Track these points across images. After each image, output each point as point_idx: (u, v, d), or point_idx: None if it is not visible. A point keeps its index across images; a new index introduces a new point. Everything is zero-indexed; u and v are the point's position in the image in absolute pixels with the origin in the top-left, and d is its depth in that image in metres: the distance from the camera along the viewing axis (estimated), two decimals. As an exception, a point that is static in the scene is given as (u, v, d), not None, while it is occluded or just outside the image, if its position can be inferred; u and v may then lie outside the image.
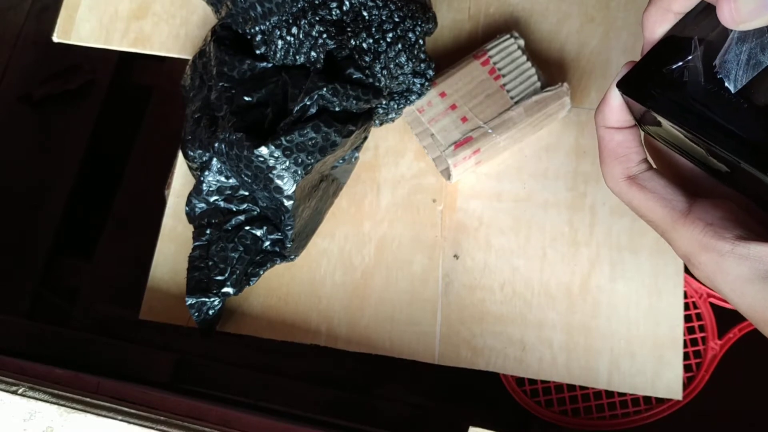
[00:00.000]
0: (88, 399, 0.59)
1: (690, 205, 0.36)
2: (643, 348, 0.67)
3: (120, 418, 0.57)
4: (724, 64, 0.32)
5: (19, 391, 0.58)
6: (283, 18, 0.61)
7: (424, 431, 0.84)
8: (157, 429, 0.57)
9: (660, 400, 0.76)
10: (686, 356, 0.76)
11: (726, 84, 0.32)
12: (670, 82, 0.34)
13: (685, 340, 0.69)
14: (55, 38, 0.79)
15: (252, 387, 0.83)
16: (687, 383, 0.76)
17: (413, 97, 0.67)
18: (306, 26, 0.61)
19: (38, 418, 0.57)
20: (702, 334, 0.78)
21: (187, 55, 0.77)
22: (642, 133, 0.40)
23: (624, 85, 0.36)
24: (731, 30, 0.31)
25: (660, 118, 0.34)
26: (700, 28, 0.34)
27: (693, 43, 0.34)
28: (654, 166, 0.40)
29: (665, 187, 0.38)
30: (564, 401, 0.78)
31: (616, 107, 0.38)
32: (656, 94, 0.34)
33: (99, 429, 0.56)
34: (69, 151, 1.11)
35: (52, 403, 0.57)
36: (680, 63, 0.34)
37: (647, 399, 0.77)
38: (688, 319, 0.78)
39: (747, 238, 0.34)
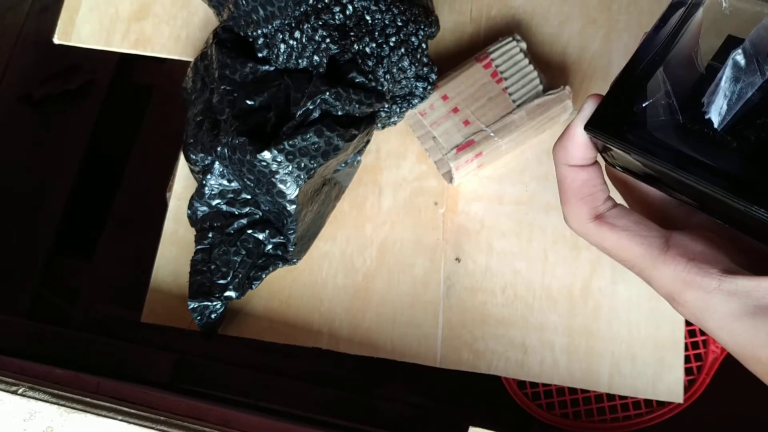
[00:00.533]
0: (88, 399, 0.59)
1: (667, 240, 0.34)
2: (644, 351, 0.67)
3: (120, 418, 0.57)
4: (712, 103, 0.31)
5: (19, 391, 0.58)
6: (286, 22, 0.61)
7: (424, 431, 0.84)
8: (157, 429, 0.57)
9: (661, 403, 0.76)
10: (687, 359, 0.77)
11: (712, 120, 0.31)
12: (644, 121, 0.32)
13: (686, 343, 0.69)
14: (56, 40, 0.79)
15: (252, 387, 0.83)
16: (688, 386, 0.77)
17: (416, 101, 0.67)
18: (309, 30, 0.60)
19: (38, 418, 0.57)
20: (703, 337, 0.78)
21: (188, 57, 0.77)
22: (603, 166, 0.38)
23: (595, 126, 0.34)
24: (718, 68, 0.31)
25: (639, 159, 0.33)
26: (665, 62, 0.33)
27: (660, 78, 0.33)
28: (618, 203, 0.38)
29: (638, 224, 0.36)
30: (565, 404, 0.78)
31: (582, 144, 0.36)
32: (633, 135, 0.32)
33: (99, 429, 0.56)
34: (69, 151, 1.10)
35: (52, 403, 0.57)
36: (651, 100, 0.33)
37: (648, 402, 0.77)
38: (689, 322, 0.78)
39: (732, 272, 0.32)
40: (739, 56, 0.30)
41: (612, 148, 0.34)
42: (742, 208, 0.30)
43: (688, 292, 0.33)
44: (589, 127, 0.34)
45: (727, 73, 0.30)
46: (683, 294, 0.33)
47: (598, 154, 0.37)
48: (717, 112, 0.31)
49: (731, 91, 0.30)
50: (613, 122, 0.33)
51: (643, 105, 0.33)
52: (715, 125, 0.31)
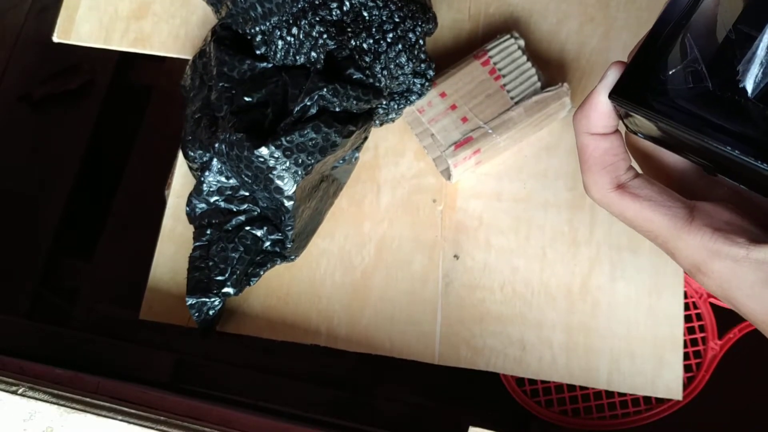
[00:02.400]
0: (87, 399, 0.59)
1: (691, 210, 0.34)
2: (643, 348, 0.67)
3: (120, 418, 0.57)
4: (747, 71, 0.30)
5: (19, 391, 0.58)
6: (284, 18, 0.61)
7: (424, 431, 0.84)
8: (157, 429, 0.57)
9: (660, 400, 0.76)
10: (686, 356, 0.77)
11: (746, 89, 0.30)
12: (672, 88, 0.32)
13: (685, 340, 0.69)
14: (55, 38, 0.79)
15: (252, 387, 0.83)
16: (687, 383, 0.76)
17: (413, 98, 0.67)
18: (306, 26, 0.61)
19: (38, 418, 0.57)
20: (702, 335, 0.78)
21: (187, 55, 0.77)
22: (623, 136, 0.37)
23: (620, 94, 0.33)
24: (747, 32, 0.30)
25: (667, 127, 0.32)
26: (688, 26, 0.32)
27: (687, 44, 0.32)
28: (640, 173, 0.37)
29: (661, 194, 0.35)
30: (564, 401, 0.78)
31: (605, 112, 0.35)
32: (660, 103, 0.32)
33: (99, 429, 0.56)
34: (69, 151, 1.11)
35: (52, 403, 0.57)
36: (679, 66, 0.32)
37: (647, 399, 0.77)
38: (688, 319, 0.78)
39: (760, 241, 0.32)
40: None
41: (637, 116, 0.34)
42: None
43: (715, 262, 0.33)
44: (613, 95, 0.34)
45: (764, 40, 0.30)
46: (710, 264, 0.33)
47: (620, 122, 0.37)
48: (752, 80, 0.30)
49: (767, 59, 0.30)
50: (639, 90, 0.33)
51: (670, 72, 0.32)
52: (749, 93, 0.30)
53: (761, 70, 0.30)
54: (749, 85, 0.30)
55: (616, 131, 0.37)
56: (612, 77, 0.35)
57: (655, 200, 0.35)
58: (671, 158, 0.39)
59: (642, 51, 0.34)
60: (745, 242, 0.32)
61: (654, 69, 0.33)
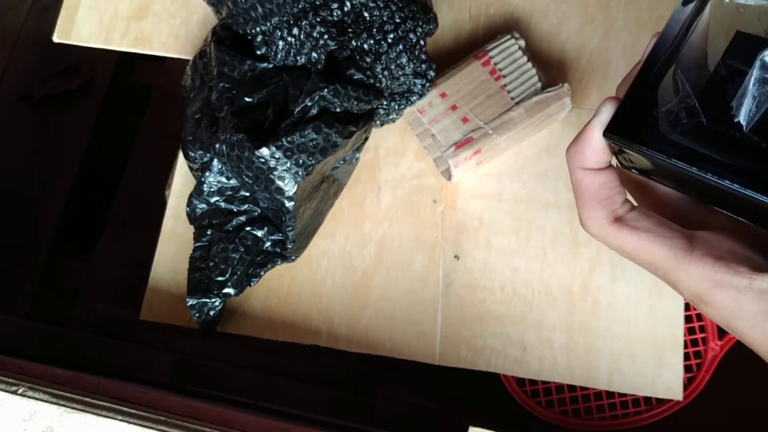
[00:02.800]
0: (87, 399, 0.59)
1: (691, 240, 0.33)
2: (644, 348, 0.67)
3: (120, 418, 0.57)
4: (741, 106, 0.30)
5: (19, 391, 0.58)
6: (284, 19, 0.61)
7: (424, 431, 0.84)
8: (157, 429, 0.57)
9: (660, 401, 0.76)
10: (686, 357, 0.77)
11: (741, 123, 0.30)
12: (666, 125, 0.32)
13: (685, 341, 0.69)
14: (56, 38, 0.79)
15: (252, 387, 0.83)
16: (687, 384, 0.77)
17: (414, 98, 0.67)
18: (307, 27, 0.61)
19: (38, 418, 0.57)
20: (702, 335, 0.78)
21: (187, 56, 0.77)
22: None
23: (614, 131, 0.34)
24: (745, 71, 0.30)
25: (662, 163, 0.32)
26: (678, 61, 0.33)
27: (678, 80, 0.32)
28: (636, 205, 0.37)
29: (659, 225, 0.35)
30: (564, 401, 0.78)
31: (599, 148, 0.35)
32: (655, 140, 0.32)
33: (99, 429, 0.56)
34: (69, 151, 1.11)
35: (52, 403, 0.57)
36: (672, 102, 0.32)
37: (647, 399, 0.77)
38: (688, 319, 0.78)
39: (763, 270, 0.31)
40: (767, 57, 0.30)
41: (631, 152, 0.34)
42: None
43: (717, 292, 0.32)
44: (608, 133, 0.34)
45: (755, 75, 0.30)
46: (712, 294, 0.32)
47: (613, 157, 0.37)
48: (746, 114, 0.30)
49: (759, 92, 0.30)
50: (633, 128, 0.33)
51: (663, 108, 0.32)
52: (744, 127, 0.30)
53: (754, 104, 0.30)
54: (743, 120, 0.30)
55: (611, 165, 0.37)
56: (606, 114, 0.35)
57: (653, 231, 0.35)
58: (667, 190, 0.39)
59: (633, 88, 0.34)
60: (747, 271, 0.32)
61: (647, 105, 0.33)
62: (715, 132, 0.31)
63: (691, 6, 0.34)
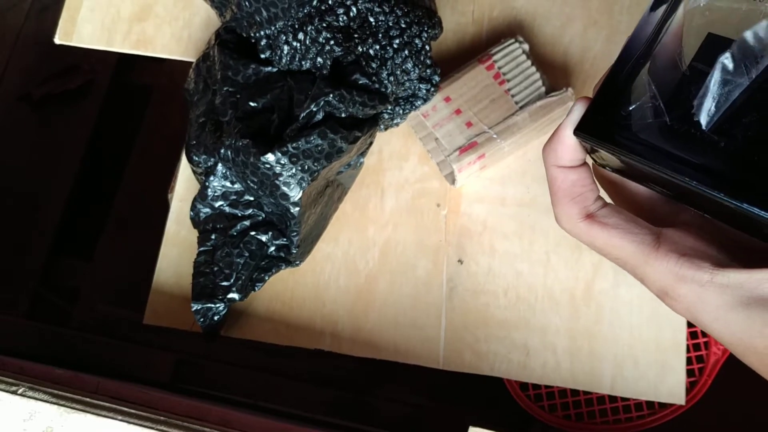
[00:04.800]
0: (87, 399, 0.59)
1: (658, 237, 0.35)
2: (646, 353, 0.67)
3: (120, 418, 0.57)
4: (701, 105, 0.31)
5: (19, 391, 0.58)
6: (289, 23, 0.61)
7: (424, 431, 0.84)
8: (157, 429, 0.57)
9: (663, 405, 0.76)
10: (689, 361, 0.77)
11: (701, 122, 0.31)
12: (632, 124, 0.33)
13: (687, 345, 0.69)
14: (57, 40, 0.78)
15: (252, 387, 0.83)
16: (690, 388, 0.77)
17: (419, 103, 0.67)
18: (312, 32, 0.60)
19: (38, 418, 0.57)
20: (704, 339, 0.78)
21: (189, 58, 0.76)
22: (591, 166, 0.39)
23: (584, 130, 0.35)
24: (701, 68, 0.32)
25: (629, 161, 0.33)
26: (648, 63, 0.34)
27: (645, 80, 0.33)
28: (608, 202, 0.38)
29: (628, 222, 0.36)
30: (567, 406, 0.79)
31: (571, 147, 0.36)
32: (622, 138, 0.33)
33: (99, 429, 0.56)
34: (69, 151, 1.10)
35: (51, 403, 0.57)
36: (638, 103, 0.33)
37: (650, 404, 0.77)
38: (691, 323, 0.78)
39: (724, 266, 0.32)
40: (727, 60, 0.31)
41: (601, 150, 0.35)
42: (732, 206, 0.30)
43: (681, 287, 0.33)
44: (578, 131, 0.35)
45: (715, 76, 0.31)
46: (676, 289, 0.33)
47: (587, 155, 0.38)
48: (706, 113, 0.31)
49: (719, 93, 0.31)
50: (601, 126, 0.34)
51: (630, 108, 0.34)
52: (703, 126, 0.31)
53: (713, 104, 0.31)
54: (703, 119, 0.31)
55: (584, 164, 0.38)
56: (577, 113, 0.36)
57: (622, 228, 0.36)
58: (638, 187, 0.40)
59: (604, 87, 0.35)
60: (709, 267, 0.33)
61: (616, 105, 0.34)
62: (678, 131, 0.32)
63: (662, 9, 0.35)
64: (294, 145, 0.58)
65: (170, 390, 0.74)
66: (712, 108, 0.31)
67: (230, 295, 0.64)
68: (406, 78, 0.64)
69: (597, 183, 0.39)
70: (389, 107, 0.65)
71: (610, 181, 0.41)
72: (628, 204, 0.41)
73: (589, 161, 0.39)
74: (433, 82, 0.67)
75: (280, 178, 0.58)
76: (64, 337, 0.82)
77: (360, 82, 0.61)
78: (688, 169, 0.31)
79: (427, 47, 0.65)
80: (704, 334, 0.78)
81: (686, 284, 0.33)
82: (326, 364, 0.93)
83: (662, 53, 0.34)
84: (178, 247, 0.71)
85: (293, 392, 0.85)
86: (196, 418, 0.60)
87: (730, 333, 0.33)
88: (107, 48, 0.78)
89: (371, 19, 0.61)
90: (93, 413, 0.57)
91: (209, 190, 0.64)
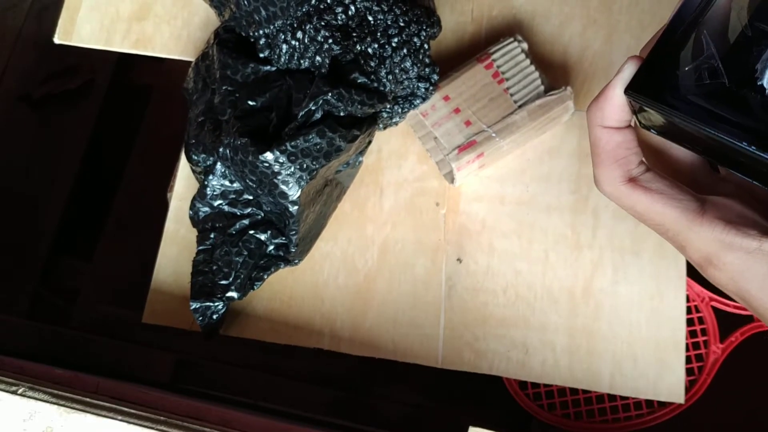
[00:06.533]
0: (87, 399, 0.59)
1: (702, 204, 0.34)
2: (646, 351, 0.67)
3: (120, 418, 0.57)
4: (766, 68, 0.30)
5: (19, 391, 0.58)
6: (288, 22, 0.61)
7: (424, 431, 0.84)
8: (157, 429, 0.57)
9: (662, 404, 0.76)
10: (688, 360, 0.77)
11: (765, 87, 0.30)
12: (688, 84, 0.32)
13: (687, 344, 0.69)
14: (56, 39, 0.78)
15: (252, 387, 0.83)
16: (689, 387, 0.77)
17: (417, 101, 0.67)
18: (311, 31, 0.60)
19: (38, 418, 0.57)
20: (704, 338, 0.78)
21: (188, 57, 0.76)
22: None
23: (636, 89, 0.34)
24: (763, 29, 0.31)
25: (682, 123, 0.32)
26: (703, 23, 0.33)
27: (702, 41, 0.32)
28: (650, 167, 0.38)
29: (672, 187, 0.35)
30: (566, 404, 0.78)
31: (619, 106, 0.36)
32: (676, 99, 0.32)
33: (99, 429, 0.56)
34: (69, 151, 1.10)
35: (51, 403, 0.57)
36: (695, 63, 0.32)
37: (649, 402, 0.77)
38: (690, 322, 0.78)
39: None
40: None
41: (652, 111, 0.34)
42: None
43: (727, 254, 0.33)
44: (629, 90, 0.34)
45: None
46: (722, 256, 0.33)
47: (633, 117, 0.37)
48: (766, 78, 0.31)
49: None
50: (654, 86, 0.33)
51: (686, 68, 0.33)
52: (767, 92, 0.30)
53: None
54: (767, 83, 0.30)
55: (629, 126, 0.37)
56: (628, 72, 0.35)
57: (666, 193, 0.35)
58: (681, 154, 0.40)
59: (657, 47, 0.34)
60: (757, 234, 0.32)
61: (669, 65, 0.33)
62: (737, 94, 0.31)
63: None
64: (293, 143, 0.58)
65: (170, 390, 0.74)
66: None
67: (229, 294, 0.64)
68: (404, 77, 0.64)
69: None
70: (388, 106, 0.65)
71: (652, 148, 0.40)
72: (669, 172, 0.40)
73: (633, 123, 0.38)
74: (432, 80, 0.67)
75: (279, 177, 0.58)
76: (64, 337, 0.81)
77: (359, 80, 0.61)
78: (744, 134, 0.30)
79: (426, 46, 0.65)
80: (704, 333, 0.78)
81: (733, 252, 0.33)
82: (326, 364, 0.93)
83: (717, 14, 0.33)
84: (177, 246, 0.71)
85: (293, 392, 0.85)
86: (196, 418, 0.60)
87: None
88: (106, 47, 0.78)
89: (370, 18, 0.61)
90: (93, 413, 0.57)
91: (208, 189, 0.64)
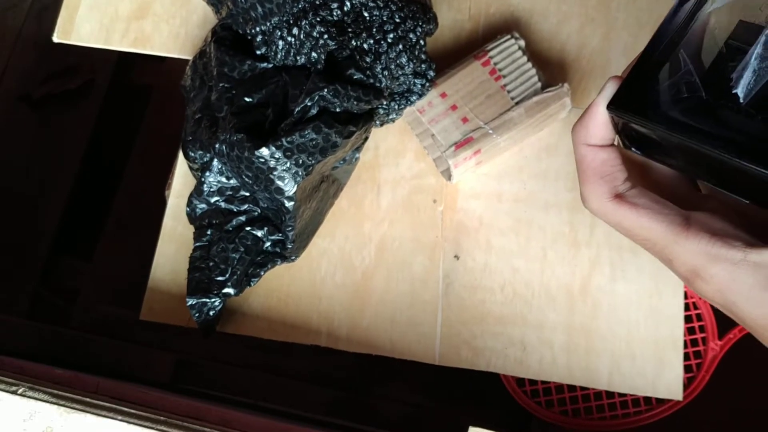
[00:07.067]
0: (87, 399, 0.59)
1: (687, 218, 0.35)
2: (644, 349, 0.67)
3: (120, 418, 0.57)
4: (740, 78, 0.32)
5: (19, 391, 0.58)
6: (284, 18, 0.61)
7: (424, 431, 0.84)
8: (157, 429, 0.57)
9: (660, 401, 0.76)
10: (686, 357, 0.77)
11: (738, 95, 0.32)
12: (667, 99, 0.34)
13: (685, 341, 0.69)
14: (55, 38, 0.79)
15: (252, 387, 0.83)
16: (687, 384, 0.76)
17: (414, 98, 0.67)
18: (307, 27, 0.61)
19: (38, 418, 0.56)
20: (702, 335, 0.78)
21: (187, 56, 0.77)
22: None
23: (618, 105, 0.35)
24: (747, 49, 0.32)
25: (663, 136, 0.34)
26: (681, 44, 0.34)
27: (681, 58, 0.34)
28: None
29: (657, 203, 0.36)
30: (564, 402, 0.78)
31: (603, 124, 0.37)
32: (657, 113, 0.33)
33: (99, 429, 0.56)
34: (69, 151, 1.10)
35: (51, 403, 0.57)
36: (674, 78, 0.34)
37: (647, 399, 0.77)
38: (688, 319, 0.78)
39: (756, 245, 0.32)
40: None
41: (634, 126, 0.35)
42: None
43: (713, 266, 0.33)
44: (611, 106, 0.35)
45: (758, 50, 0.32)
46: (709, 268, 0.33)
47: (615, 138, 0.38)
48: (744, 86, 0.32)
49: (760, 67, 0.32)
50: (635, 102, 0.34)
51: (666, 84, 0.34)
52: (741, 99, 0.32)
53: (753, 78, 0.32)
54: (741, 92, 0.32)
55: (614, 144, 0.38)
56: (610, 90, 0.36)
57: (652, 208, 0.36)
58: (662, 174, 0.41)
59: (638, 66, 0.35)
60: (742, 245, 0.33)
61: (649, 81, 0.35)
62: (714, 105, 0.33)
63: (690, 2, 0.35)
64: (288, 139, 0.58)
65: (170, 390, 0.74)
66: (752, 81, 0.32)
67: (225, 290, 0.64)
68: (400, 72, 0.64)
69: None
70: (384, 102, 0.65)
71: (634, 166, 0.41)
72: (651, 189, 0.40)
73: (616, 143, 0.39)
74: (428, 77, 0.67)
75: (275, 173, 0.59)
76: (64, 337, 0.81)
77: (355, 77, 0.61)
78: (723, 143, 0.31)
79: (422, 42, 0.65)
80: (702, 330, 0.78)
81: (719, 263, 0.33)
82: (326, 363, 0.93)
83: (694, 35, 0.35)
84: (174, 243, 0.71)
85: (293, 392, 0.84)
86: (196, 418, 0.60)
87: (763, 314, 0.33)
88: (105, 46, 0.79)
89: (365, 14, 0.62)
90: (93, 413, 0.57)
91: (205, 185, 0.65)
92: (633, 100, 0.35)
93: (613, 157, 0.38)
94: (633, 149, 0.39)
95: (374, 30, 0.62)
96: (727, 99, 0.32)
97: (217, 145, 0.61)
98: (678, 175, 0.41)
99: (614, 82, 0.36)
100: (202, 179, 0.64)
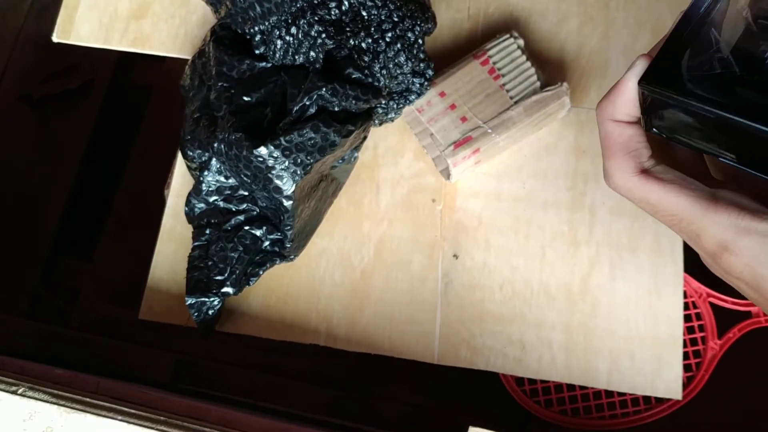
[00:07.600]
0: (87, 399, 0.59)
1: (714, 193, 0.35)
2: (643, 348, 0.67)
3: (120, 418, 0.57)
4: None
5: (19, 391, 0.58)
6: (282, 18, 0.61)
7: (424, 431, 0.84)
8: (157, 429, 0.57)
9: (659, 400, 0.76)
10: (686, 356, 0.76)
11: None
12: (699, 74, 0.34)
13: (684, 340, 0.69)
14: (55, 38, 0.79)
15: (252, 387, 0.83)
16: (686, 383, 0.76)
17: (412, 97, 0.67)
18: (305, 26, 0.61)
19: (38, 418, 0.57)
20: (701, 334, 0.78)
21: (186, 55, 0.77)
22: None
23: (649, 81, 0.35)
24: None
25: (697, 111, 0.34)
26: (711, 19, 0.34)
27: (712, 36, 0.34)
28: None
29: (684, 178, 0.36)
30: (563, 401, 0.78)
31: (631, 100, 0.37)
32: (687, 88, 0.33)
33: (99, 429, 0.56)
34: (69, 151, 1.10)
35: (51, 403, 0.57)
36: (706, 54, 0.34)
37: (647, 399, 0.77)
38: (687, 318, 0.78)
39: None
40: None
41: (665, 101, 0.35)
42: None
43: (743, 239, 0.33)
44: (643, 82, 0.35)
45: None
46: (738, 241, 0.33)
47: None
48: None
49: None
50: (667, 77, 0.35)
51: (698, 60, 0.34)
52: None
53: None
54: None
55: (638, 121, 0.38)
56: (641, 66, 0.36)
57: (679, 183, 0.36)
58: (680, 159, 0.41)
59: (668, 44, 0.35)
60: None
61: (680, 58, 0.35)
62: (747, 80, 0.33)
63: None
64: (287, 138, 0.58)
65: (170, 390, 0.74)
66: None
67: (224, 289, 0.64)
68: (399, 72, 0.64)
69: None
70: (383, 101, 0.65)
71: (656, 153, 0.41)
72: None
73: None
74: (427, 76, 0.67)
75: (273, 172, 0.59)
76: (64, 337, 0.81)
77: (353, 76, 0.61)
78: (757, 114, 0.31)
79: (420, 41, 0.65)
80: (701, 329, 0.78)
81: (749, 236, 0.33)
82: (326, 363, 0.93)
83: (724, 13, 0.35)
84: (174, 242, 0.71)
85: (293, 392, 0.84)
86: (196, 418, 0.60)
87: None
88: (105, 46, 0.79)
89: (363, 13, 0.62)
90: (93, 413, 0.57)
91: (204, 185, 0.65)
92: (664, 76, 0.35)
93: (639, 133, 0.38)
94: (654, 130, 0.38)
95: (372, 29, 0.62)
96: (761, 74, 0.32)
97: (215, 144, 0.61)
98: (695, 161, 0.41)
99: (644, 59, 0.36)
100: (201, 179, 0.64)
